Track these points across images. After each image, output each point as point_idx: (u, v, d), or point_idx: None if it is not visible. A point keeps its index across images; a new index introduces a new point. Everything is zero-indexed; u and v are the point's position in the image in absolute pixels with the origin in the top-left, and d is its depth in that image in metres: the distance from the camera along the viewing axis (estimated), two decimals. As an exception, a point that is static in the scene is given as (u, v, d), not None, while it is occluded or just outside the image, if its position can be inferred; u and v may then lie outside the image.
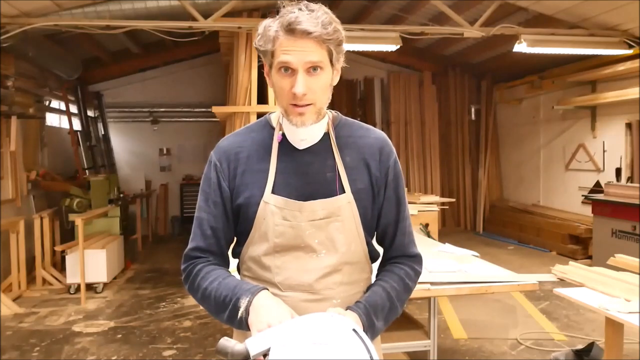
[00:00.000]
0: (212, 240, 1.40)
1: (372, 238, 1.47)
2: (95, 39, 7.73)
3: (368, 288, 1.43)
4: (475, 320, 4.83)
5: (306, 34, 1.22)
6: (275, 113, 1.46)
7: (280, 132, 1.39)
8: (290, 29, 1.23)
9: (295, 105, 1.28)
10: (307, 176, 1.37)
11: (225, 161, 1.40)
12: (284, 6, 1.27)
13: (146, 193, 9.76)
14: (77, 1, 5.54)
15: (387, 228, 1.46)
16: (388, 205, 1.44)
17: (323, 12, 1.26)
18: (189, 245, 1.42)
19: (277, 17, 1.27)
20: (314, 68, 1.26)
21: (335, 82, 1.35)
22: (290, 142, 1.38)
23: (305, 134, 1.35)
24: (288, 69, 1.26)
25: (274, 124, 1.43)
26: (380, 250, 1.50)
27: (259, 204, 1.35)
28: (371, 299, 1.35)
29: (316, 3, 1.28)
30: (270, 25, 1.26)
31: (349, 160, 1.39)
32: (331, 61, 1.29)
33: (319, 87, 1.29)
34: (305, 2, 1.27)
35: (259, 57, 1.35)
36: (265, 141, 1.41)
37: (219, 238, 1.41)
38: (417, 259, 1.49)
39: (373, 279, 1.49)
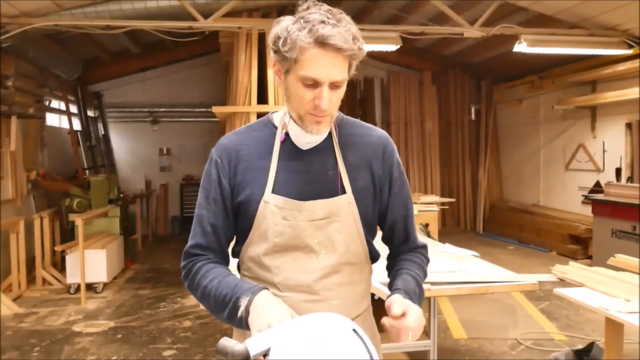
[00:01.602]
0: (212, 237, 1.40)
1: (373, 238, 1.47)
2: (95, 39, 7.72)
3: (395, 277, 1.43)
4: (475, 320, 4.83)
5: (338, 50, 1.22)
6: (277, 113, 1.45)
7: (284, 132, 1.39)
8: (322, 43, 1.21)
9: (314, 114, 1.28)
10: (308, 175, 1.37)
11: (226, 158, 1.40)
12: (306, 7, 1.25)
13: (146, 193, 9.76)
14: (77, 1, 5.54)
15: (395, 224, 1.47)
16: (395, 203, 1.45)
17: (348, 23, 1.24)
18: (189, 243, 1.42)
19: (301, 21, 1.22)
20: (336, 83, 1.26)
21: None
22: (295, 143, 1.38)
23: (312, 137, 1.36)
24: (312, 81, 1.25)
25: (276, 123, 1.43)
26: (381, 250, 1.51)
27: (259, 202, 1.35)
28: (406, 286, 1.36)
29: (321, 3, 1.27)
30: (296, 33, 1.22)
31: (350, 159, 1.40)
32: (348, 71, 1.29)
33: (338, 98, 1.30)
34: (327, 7, 1.25)
35: (259, 57, 1.34)
36: (267, 140, 1.41)
37: (219, 235, 1.41)
38: (425, 248, 1.54)
39: (373, 279, 1.49)
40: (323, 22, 1.21)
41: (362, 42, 1.27)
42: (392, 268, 1.50)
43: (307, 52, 1.22)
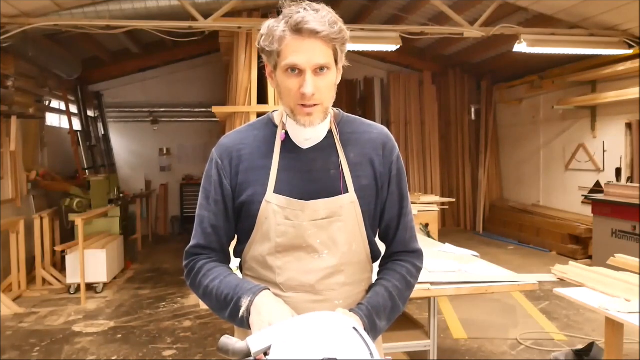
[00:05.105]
0: (212, 238, 1.41)
1: (376, 235, 1.47)
2: (95, 39, 7.72)
3: (370, 288, 1.43)
4: (475, 320, 4.83)
5: (314, 33, 1.22)
6: (277, 111, 1.46)
7: (284, 131, 1.39)
8: (298, 29, 1.22)
9: (303, 105, 1.28)
10: (310, 174, 1.37)
11: (227, 158, 1.40)
12: (286, 6, 1.27)
13: (146, 193, 9.76)
14: (77, 1, 5.54)
15: (389, 223, 1.46)
16: (391, 201, 1.44)
17: (327, 12, 1.26)
18: (190, 243, 1.42)
19: (282, 17, 1.26)
20: (321, 68, 1.26)
21: (338, 81, 1.35)
22: (294, 141, 1.38)
23: (310, 134, 1.35)
24: (295, 70, 1.26)
25: (277, 121, 1.43)
26: (382, 248, 1.50)
27: (261, 202, 1.35)
28: (373, 301, 1.35)
29: (318, 3, 1.28)
30: (276, 26, 1.26)
31: (352, 156, 1.39)
32: (336, 60, 1.29)
33: (326, 86, 1.29)
34: (308, 1, 1.27)
35: (259, 57, 1.35)
36: (268, 138, 1.40)
37: (219, 236, 1.41)
38: (418, 254, 1.49)
39: (373, 278, 1.49)
40: (299, 12, 1.23)
41: (342, 26, 1.27)
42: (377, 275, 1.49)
43: (285, 40, 1.24)
